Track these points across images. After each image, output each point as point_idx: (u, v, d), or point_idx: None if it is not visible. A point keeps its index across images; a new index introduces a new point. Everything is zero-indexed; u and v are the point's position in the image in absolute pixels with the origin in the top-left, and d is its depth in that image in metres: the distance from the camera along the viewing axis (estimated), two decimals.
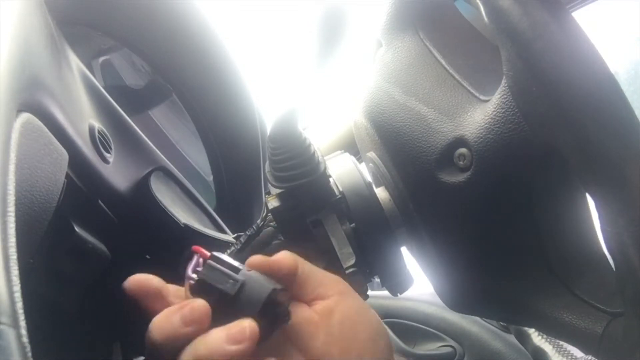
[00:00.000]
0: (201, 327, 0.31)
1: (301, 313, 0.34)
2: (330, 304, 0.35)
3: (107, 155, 0.38)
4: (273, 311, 0.32)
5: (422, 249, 0.44)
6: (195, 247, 0.34)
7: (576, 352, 0.65)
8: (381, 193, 0.45)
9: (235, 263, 0.33)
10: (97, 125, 0.38)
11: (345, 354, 0.33)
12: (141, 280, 0.34)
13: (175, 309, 0.32)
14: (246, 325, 0.30)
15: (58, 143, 0.31)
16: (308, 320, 0.34)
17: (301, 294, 0.35)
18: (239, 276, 0.32)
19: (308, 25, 0.32)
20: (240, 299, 0.32)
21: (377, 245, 0.43)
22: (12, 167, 0.24)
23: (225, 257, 0.34)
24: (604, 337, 0.34)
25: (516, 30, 0.30)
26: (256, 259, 0.34)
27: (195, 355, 0.31)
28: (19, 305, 0.20)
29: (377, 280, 0.46)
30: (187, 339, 0.31)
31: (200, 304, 0.31)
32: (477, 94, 0.38)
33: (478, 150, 0.36)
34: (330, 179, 0.43)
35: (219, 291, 0.32)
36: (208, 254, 0.34)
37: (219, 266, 0.33)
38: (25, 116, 0.28)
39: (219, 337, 0.30)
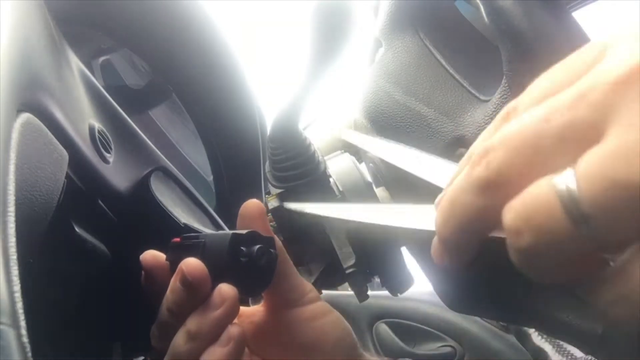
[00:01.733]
0: (198, 286, 0.31)
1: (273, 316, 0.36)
2: (313, 308, 0.36)
3: (107, 155, 0.38)
4: (250, 257, 0.32)
5: (422, 249, 0.44)
6: (173, 240, 0.36)
7: (576, 352, 0.65)
8: (381, 193, 0.45)
9: (197, 233, 0.34)
10: (97, 125, 0.38)
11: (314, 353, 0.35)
12: (156, 255, 0.35)
13: (173, 278, 0.32)
14: (221, 287, 0.31)
15: (58, 143, 0.31)
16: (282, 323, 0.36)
17: (277, 292, 0.36)
18: (199, 240, 0.33)
19: (308, 24, 0.32)
20: (208, 259, 0.32)
21: (377, 245, 0.43)
22: (12, 167, 0.24)
23: (188, 234, 0.35)
24: (604, 337, 0.34)
25: (517, 30, 0.30)
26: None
27: (188, 330, 0.32)
28: (19, 305, 0.20)
29: (377, 280, 0.46)
30: (192, 304, 0.32)
31: (188, 262, 0.32)
32: (477, 94, 0.38)
33: None
34: (330, 179, 0.43)
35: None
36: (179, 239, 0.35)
37: (181, 242, 0.34)
38: (25, 116, 0.28)
39: (201, 308, 0.31)
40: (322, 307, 0.37)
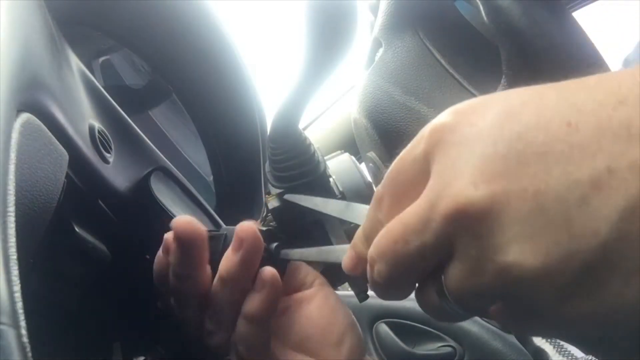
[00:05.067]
0: (252, 245, 0.33)
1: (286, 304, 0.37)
2: (312, 292, 0.37)
3: (107, 155, 0.38)
4: (269, 252, 0.35)
5: None
6: None
7: (576, 352, 0.65)
8: None
9: (211, 227, 0.36)
10: (97, 125, 0.38)
11: (323, 341, 0.36)
12: (190, 221, 0.34)
13: (230, 248, 0.33)
14: (237, 228, 0.33)
15: (58, 143, 0.31)
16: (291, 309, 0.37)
17: (289, 280, 0.37)
18: (220, 232, 0.36)
19: (307, 22, 0.32)
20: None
21: None
22: (12, 167, 0.24)
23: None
24: (604, 337, 0.34)
25: (516, 29, 0.30)
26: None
27: (222, 283, 0.33)
28: (19, 305, 0.20)
29: None
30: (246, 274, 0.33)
31: (244, 225, 0.33)
32: (476, 93, 0.38)
33: None
34: (330, 179, 0.43)
35: (210, 254, 0.34)
36: None
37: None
38: (25, 116, 0.28)
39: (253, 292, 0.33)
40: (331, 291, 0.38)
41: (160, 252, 0.36)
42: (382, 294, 0.25)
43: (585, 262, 0.17)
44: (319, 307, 0.37)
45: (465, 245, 0.20)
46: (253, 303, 0.33)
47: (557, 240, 0.18)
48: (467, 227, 0.19)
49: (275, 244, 0.35)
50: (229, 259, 0.33)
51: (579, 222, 0.17)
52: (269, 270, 0.33)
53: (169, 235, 0.35)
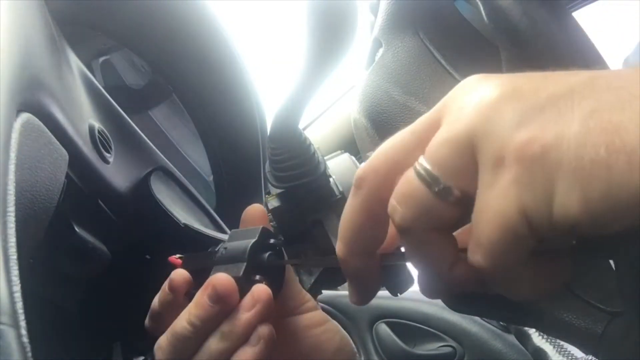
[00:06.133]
0: (229, 301, 0.31)
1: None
2: (302, 318, 0.36)
3: (107, 155, 0.38)
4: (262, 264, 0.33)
5: None
6: (170, 259, 0.36)
7: (576, 352, 0.65)
8: None
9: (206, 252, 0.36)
10: (97, 125, 0.38)
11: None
12: (186, 275, 0.34)
13: (199, 293, 0.32)
14: (254, 288, 0.31)
15: (58, 143, 0.31)
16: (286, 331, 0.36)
17: (276, 299, 0.36)
18: (217, 249, 0.34)
19: (307, 22, 0.32)
20: (226, 260, 0.33)
21: None
22: (12, 167, 0.24)
23: (190, 255, 0.36)
24: (604, 336, 0.34)
25: (516, 29, 0.30)
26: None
27: (223, 337, 0.31)
28: (19, 305, 0.20)
29: None
30: (217, 320, 0.31)
31: (219, 278, 0.31)
32: None
33: None
34: (331, 179, 0.43)
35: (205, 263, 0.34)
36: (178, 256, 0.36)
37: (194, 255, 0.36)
38: (25, 116, 0.28)
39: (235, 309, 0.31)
40: (320, 315, 0.37)
41: (166, 288, 0.34)
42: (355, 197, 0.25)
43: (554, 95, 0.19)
44: (310, 336, 0.36)
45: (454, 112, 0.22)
46: (246, 357, 0.31)
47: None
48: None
49: (268, 253, 0.33)
50: (240, 317, 0.31)
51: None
52: (266, 327, 0.32)
53: (178, 276, 0.33)
